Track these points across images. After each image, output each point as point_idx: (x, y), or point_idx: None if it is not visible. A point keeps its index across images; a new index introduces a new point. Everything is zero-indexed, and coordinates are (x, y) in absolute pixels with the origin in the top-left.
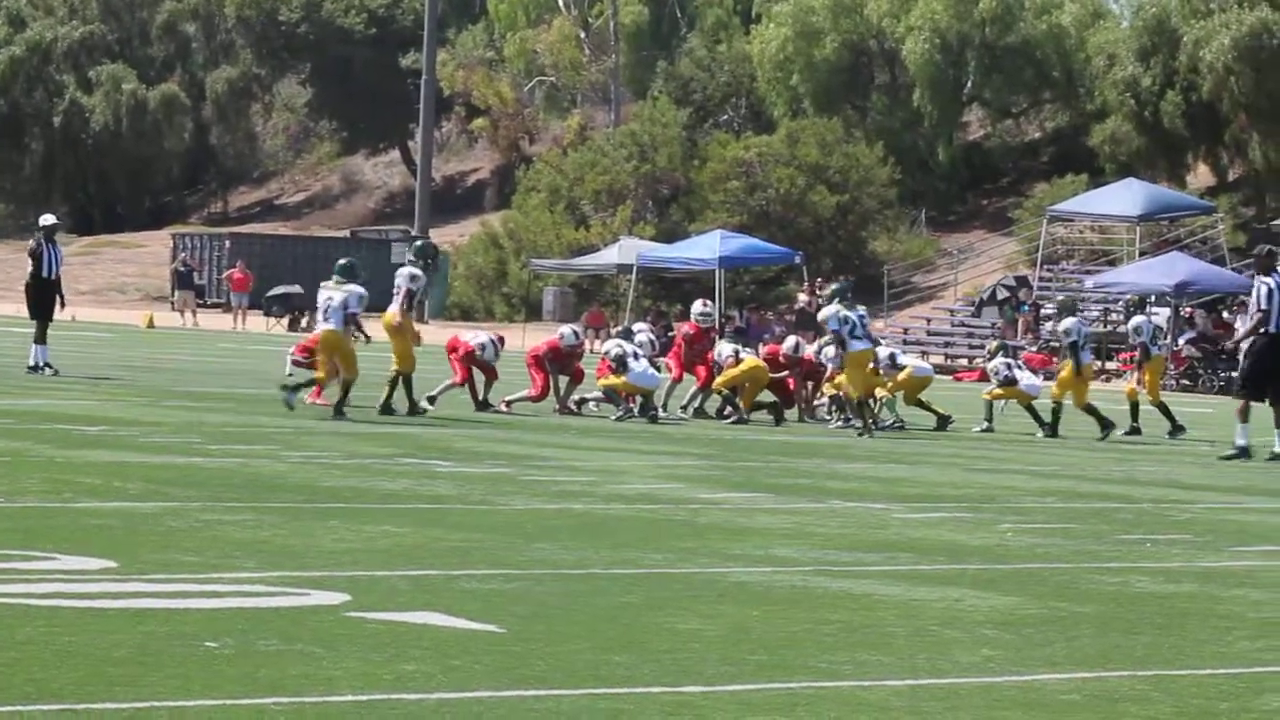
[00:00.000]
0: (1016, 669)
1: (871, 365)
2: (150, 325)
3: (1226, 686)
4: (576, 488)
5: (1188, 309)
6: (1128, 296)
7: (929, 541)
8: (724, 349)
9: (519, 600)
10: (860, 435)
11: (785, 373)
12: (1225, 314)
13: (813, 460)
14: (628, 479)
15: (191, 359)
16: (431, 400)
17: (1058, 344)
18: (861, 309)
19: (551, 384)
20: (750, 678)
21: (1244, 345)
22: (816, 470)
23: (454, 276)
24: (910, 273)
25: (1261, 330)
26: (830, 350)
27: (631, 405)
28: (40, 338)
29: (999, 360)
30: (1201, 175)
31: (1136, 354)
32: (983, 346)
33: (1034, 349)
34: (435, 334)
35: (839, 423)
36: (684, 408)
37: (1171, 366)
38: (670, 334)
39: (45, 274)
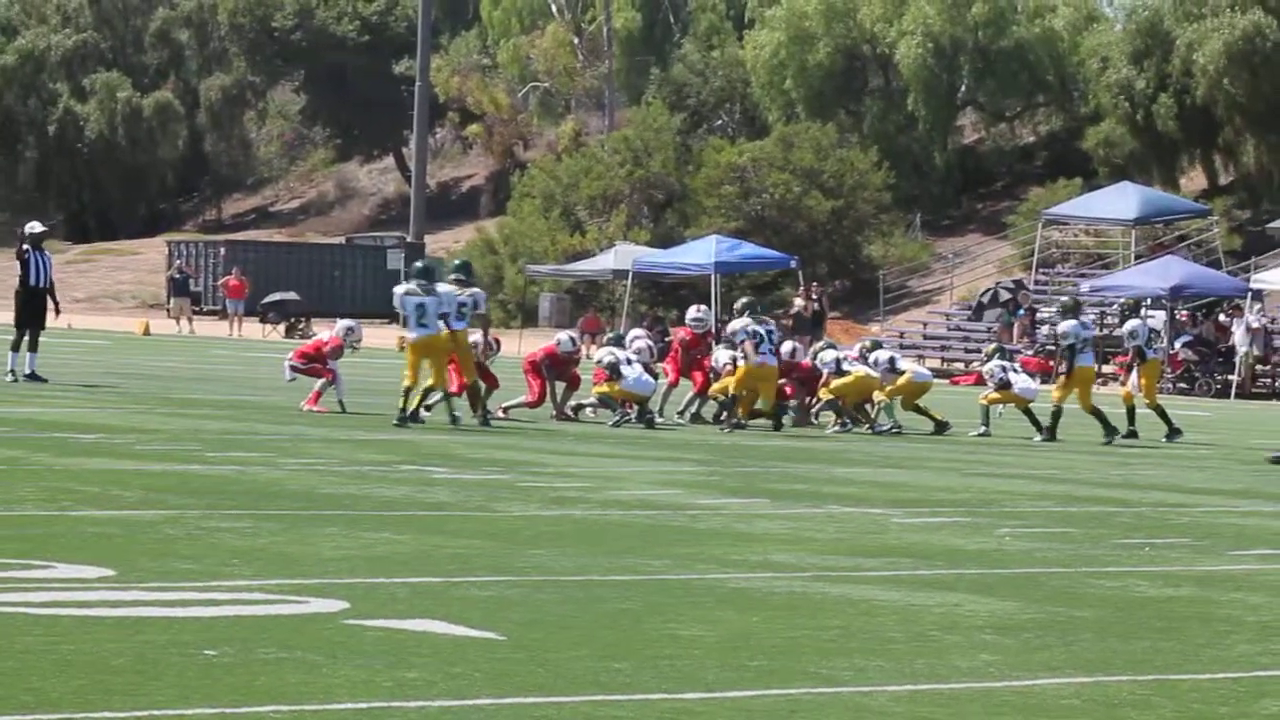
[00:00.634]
0: (1016, 674)
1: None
2: (146, 332)
3: (1226, 690)
4: (574, 494)
5: (1183, 312)
6: (1122, 300)
7: (927, 546)
8: (721, 356)
9: (518, 607)
10: (724, 431)
11: (782, 379)
12: (1222, 317)
13: (811, 465)
14: (625, 485)
15: (187, 366)
16: (428, 408)
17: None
18: (771, 323)
19: (548, 390)
20: (750, 684)
21: None
22: (814, 475)
23: (449, 284)
24: (905, 277)
25: None
26: (826, 355)
27: (629, 411)
28: (32, 345)
29: (995, 363)
30: (1195, 178)
31: (1130, 358)
32: (979, 350)
33: (1030, 353)
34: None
35: (836, 427)
36: (681, 413)
37: (1168, 369)
38: (667, 339)
39: (33, 282)
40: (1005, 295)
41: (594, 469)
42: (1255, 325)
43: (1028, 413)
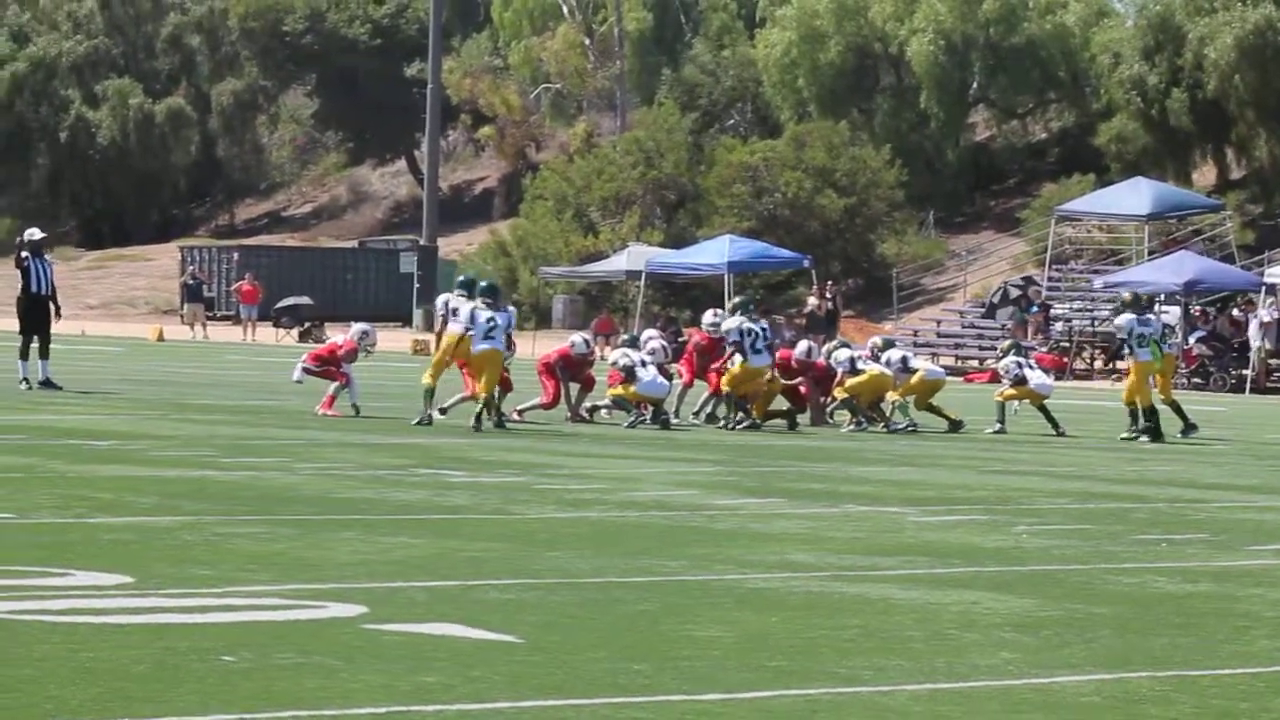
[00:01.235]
0: (1035, 671)
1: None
2: (160, 338)
3: (1246, 686)
4: (591, 496)
5: (1197, 307)
6: (1124, 295)
7: (945, 545)
8: (737, 357)
9: (536, 609)
10: (725, 428)
11: (798, 379)
12: (1235, 312)
13: (827, 465)
14: (642, 486)
15: (201, 372)
16: (443, 411)
17: (1070, 344)
18: (764, 322)
19: (563, 392)
20: (769, 685)
21: None
22: (831, 475)
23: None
24: (919, 275)
25: None
26: (841, 354)
27: (644, 412)
28: (43, 353)
29: (1010, 359)
30: (1207, 173)
31: (1116, 350)
32: (993, 348)
33: (1045, 349)
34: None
35: (851, 426)
36: (696, 414)
37: (1183, 365)
38: (681, 340)
39: (35, 289)
40: (1015, 293)
41: (610, 470)
42: (1268, 319)
43: (1043, 409)
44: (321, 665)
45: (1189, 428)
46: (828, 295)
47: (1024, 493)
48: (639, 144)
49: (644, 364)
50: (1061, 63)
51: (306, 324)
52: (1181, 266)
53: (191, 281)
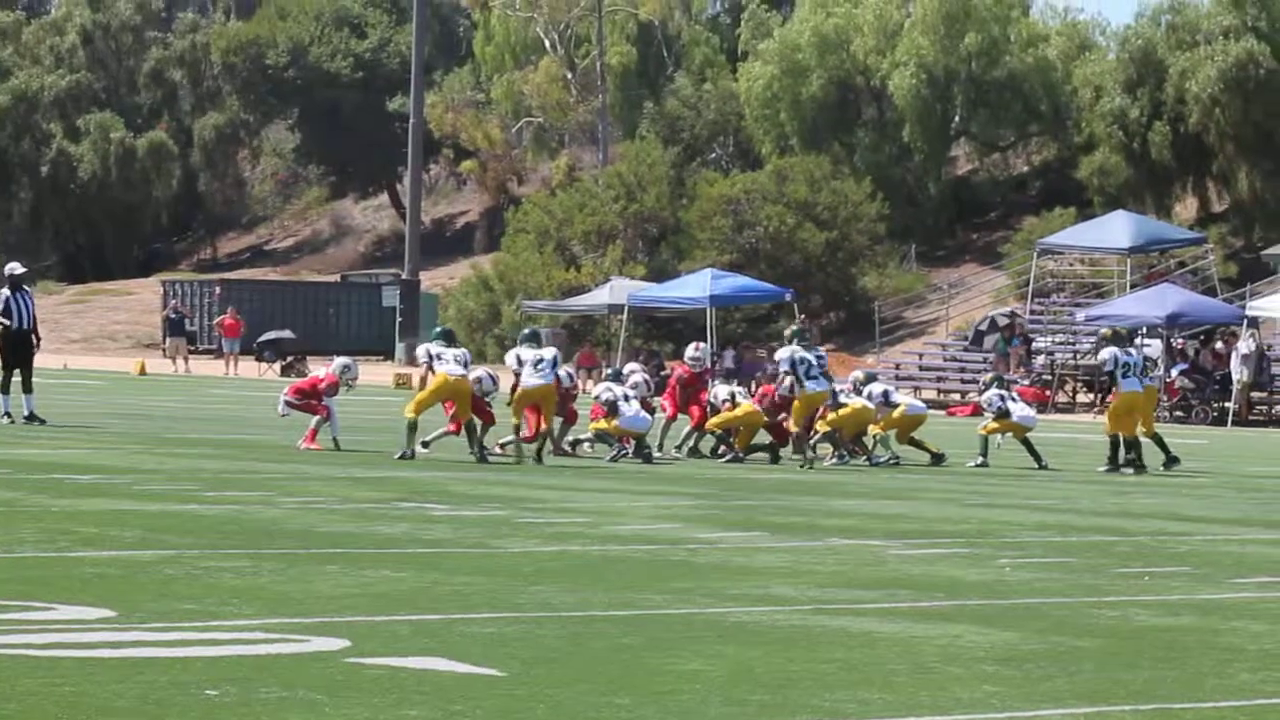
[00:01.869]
0: (1019, 705)
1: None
2: (142, 372)
3: (1229, 719)
4: (573, 529)
5: (1179, 340)
6: (1103, 330)
7: (927, 578)
8: (720, 392)
9: (520, 643)
10: (802, 468)
11: (781, 414)
12: (1218, 345)
13: (809, 498)
14: (624, 520)
15: (184, 406)
16: (425, 445)
17: (1052, 377)
18: (821, 350)
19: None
20: (752, 718)
21: None
22: (813, 508)
23: (444, 319)
24: (901, 308)
25: None
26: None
27: (626, 446)
28: (26, 387)
29: (993, 392)
30: (1189, 206)
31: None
32: (975, 381)
33: (1027, 382)
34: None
35: (833, 460)
36: (678, 447)
37: (1165, 398)
38: (663, 373)
39: (16, 325)
40: (1003, 321)
41: (593, 504)
42: (1248, 352)
43: (1025, 443)
44: (305, 699)
45: (1171, 460)
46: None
47: (1007, 526)
48: (621, 178)
49: (627, 398)
50: (1043, 96)
51: (289, 358)
52: (1164, 299)
53: (174, 315)
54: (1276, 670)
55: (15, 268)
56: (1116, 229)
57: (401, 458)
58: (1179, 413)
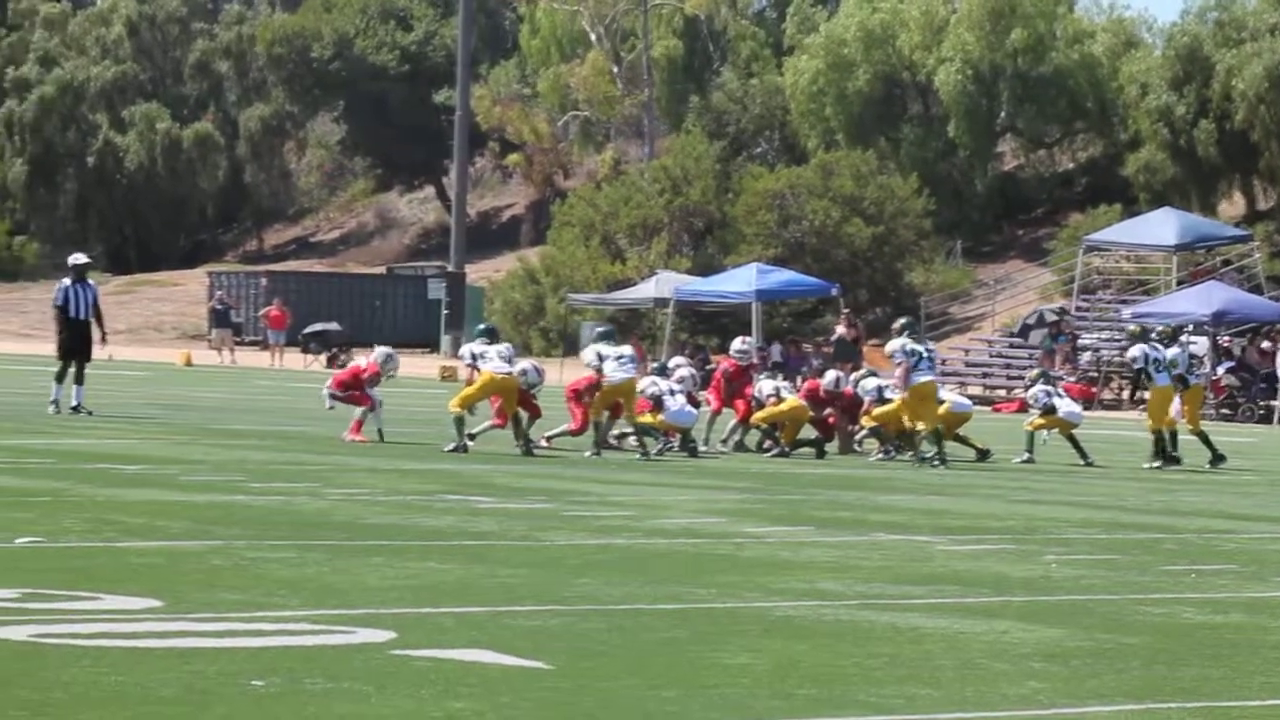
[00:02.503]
0: (1065, 701)
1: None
2: (188, 363)
3: (1276, 718)
4: (618, 523)
5: (1226, 338)
6: (1131, 328)
7: (973, 574)
8: (765, 386)
9: (565, 636)
10: (936, 466)
11: (826, 409)
12: (1265, 343)
13: (855, 493)
14: (670, 514)
15: (230, 397)
16: (472, 438)
17: (1098, 374)
18: (931, 343)
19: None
20: (800, 712)
21: None
22: (859, 503)
23: (490, 312)
24: (947, 304)
25: None
26: (868, 383)
27: (671, 440)
28: (78, 378)
29: (1039, 388)
30: (1235, 204)
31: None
32: (1021, 377)
33: (1073, 379)
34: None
35: (880, 455)
36: (724, 441)
37: (1211, 396)
38: (709, 367)
39: (73, 314)
40: (1052, 318)
41: (638, 498)
42: None
43: (1071, 439)
44: (351, 690)
45: (1217, 459)
46: (851, 323)
47: (1052, 522)
48: (666, 171)
49: (672, 392)
50: (1089, 93)
51: (334, 349)
52: (1210, 297)
53: (220, 306)
54: None
55: (78, 258)
56: (1162, 226)
57: (453, 450)
58: (1225, 411)
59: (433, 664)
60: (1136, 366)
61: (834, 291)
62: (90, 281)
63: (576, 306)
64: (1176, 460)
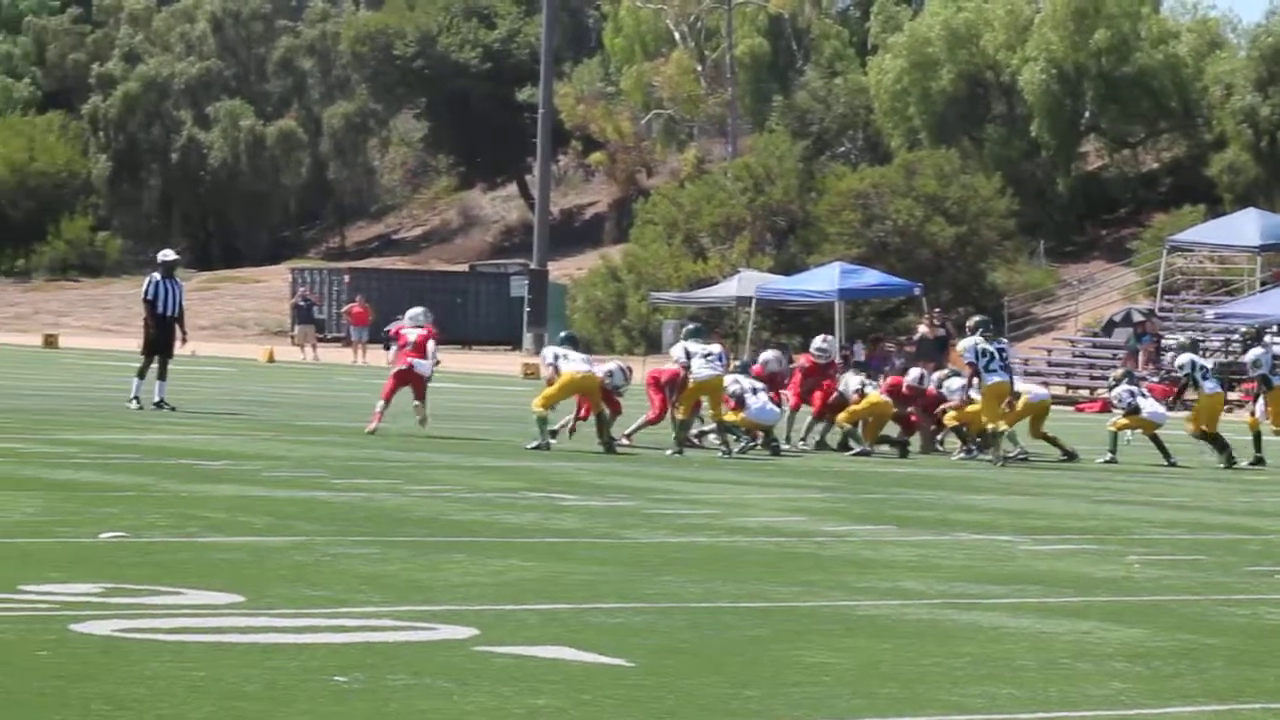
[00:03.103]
0: (1148, 702)
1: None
2: (270, 359)
3: None
4: (701, 520)
5: None
6: (1244, 328)
7: (1056, 574)
8: (850, 381)
9: (648, 633)
10: (1023, 459)
11: (909, 406)
12: None
13: (937, 492)
14: (752, 512)
15: (312, 393)
16: (553, 434)
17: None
18: (1003, 341)
19: (670, 410)
20: (880, 712)
21: None
22: (941, 502)
23: (573, 310)
24: (1030, 304)
25: None
26: (953, 383)
27: (755, 438)
28: (161, 374)
29: (1123, 388)
30: None
31: (1256, 385)
32: (1104, 377)
33: (1156, 380)
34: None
35: (962, 454)
36: (803, 439)
37: None
38: (790, 365)
39: (161, 311)
40: (1139, 317)
41: (720, 496)
42: None
43: (1155, 439)
44: (433, 687)
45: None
46: (938, 323)
47: (1135, 523)
48: (749, 170)
49: (755, 390)
50: (1173, 93)
51: None
52: None
53: (303, 303)
54: None
55: (168, 254)
56: (1247, 227)
57: (535, 448)
58: None
59: (515, 661)
60: (1184, 374)
61: (916, 291)
62: (177, 278)
63: (659, 305)
64: (1261, 461)
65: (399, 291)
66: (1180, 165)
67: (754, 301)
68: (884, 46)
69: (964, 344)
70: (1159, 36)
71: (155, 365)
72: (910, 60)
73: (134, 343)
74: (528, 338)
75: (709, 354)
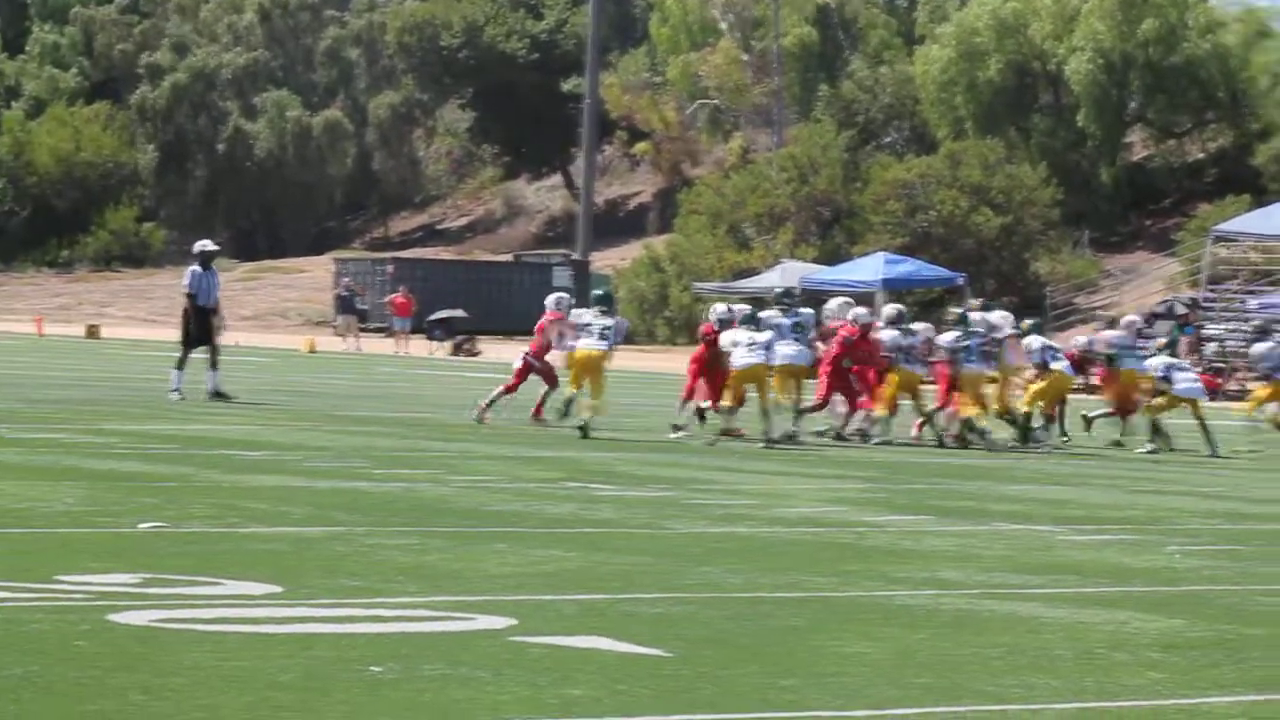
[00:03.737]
0: (1184, 692)
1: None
2: (312, 350)
3: None
4: (740, 511)
5: None
6: (1253, 321)
7: (1094, 564)
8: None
9: (685, 624)
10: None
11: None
12: None
13: (976, 483)
14: (792, 502)
15: (354, 383)
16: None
17: (1224, 365)
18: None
19: (696, 387)
20: (918, 701)
21: None
22: (980, 492)
23: (616, 300)
24: (1073, 294)
25: None
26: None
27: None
28: (212, 364)
29: (1160, 359)
30: None
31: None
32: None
33: (1198, 370)
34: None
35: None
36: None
37: None
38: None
39: (201, 302)
40: (1181, 310)
41: (759, 486)
42: None
43: (1202, 425)
44: (469, 677)
45: None
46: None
47: (1175, 513)
48: (794, 160)
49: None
50: (1220, 83)
51: (459, 337)
52: None
53: (346, 293)
54: None
55: (207, 244)
56: None
57: (577, 428)
58: None
59: (551, 651)
60: (1159, 375)
61: (960, 281)
62: (214, 269)
63: (701, 294)
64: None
65: (443, 282)
66: (1226, 155)
67: (798, 290)
68: (931, 36)
69: (1031, 341)
70: (1206, 26)
71: (205, 356)
72: (958, 50)
73: (176, 334)
74: None
75: (753, 343)
